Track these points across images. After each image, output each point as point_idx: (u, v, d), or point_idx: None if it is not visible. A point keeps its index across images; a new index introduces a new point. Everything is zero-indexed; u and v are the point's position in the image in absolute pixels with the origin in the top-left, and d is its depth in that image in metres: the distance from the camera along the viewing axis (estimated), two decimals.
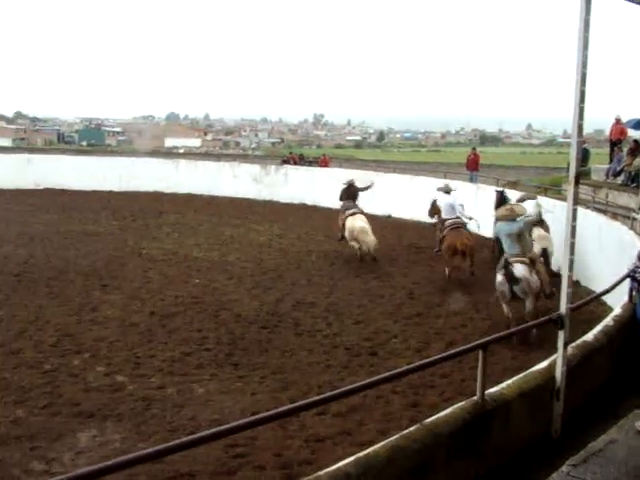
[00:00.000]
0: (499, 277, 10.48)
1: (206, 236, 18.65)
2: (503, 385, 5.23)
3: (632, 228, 12.82)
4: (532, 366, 5.94)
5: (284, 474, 6.10)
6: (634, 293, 7.51)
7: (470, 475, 4.68)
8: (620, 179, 19.34)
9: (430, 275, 14.58)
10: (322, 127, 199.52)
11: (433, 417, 4.46)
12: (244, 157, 51.41)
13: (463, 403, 4.77)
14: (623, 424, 5.73)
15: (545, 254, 12.71)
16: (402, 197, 22.42)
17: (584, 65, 5.14)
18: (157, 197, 26.16)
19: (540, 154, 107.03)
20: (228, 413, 7.39)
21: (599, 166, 22.41)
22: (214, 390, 8.15)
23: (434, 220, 15.73)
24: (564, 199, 17.09)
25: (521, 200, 13.54)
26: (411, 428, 4.26)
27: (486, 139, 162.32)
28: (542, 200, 15.32)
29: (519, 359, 9.04)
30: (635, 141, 19.68)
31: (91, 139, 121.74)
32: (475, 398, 4.82)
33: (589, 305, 9.38)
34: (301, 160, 32.54)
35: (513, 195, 16.09)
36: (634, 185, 17.56)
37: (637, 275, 7.27)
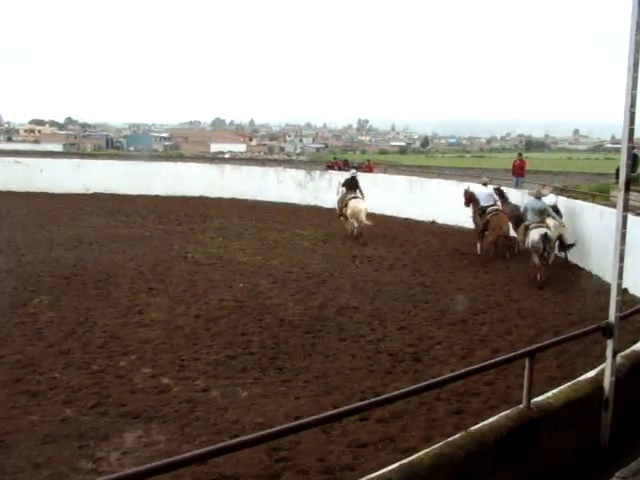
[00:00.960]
0: (536, 236, 14.13)
1: (250, 240, 18.79)
2: (550, 394, 5.14)
3: None
4: (578, 375, 5.82)
5: (327, 479, 6.10)
6: None
7: None
8: None
9: (474, 281, 14.44)
10: (366, 133, 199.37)
11: (478, 425, 4.41)
12: (289, 162, 51.75)
13: (509, 411, 4.71)
14: None
15: (561, 240, 15.71)
16: (446, 203, 22.23)
17: (635, 68, 5.03)
18: (202, 202, 26.48)
19: (587, 160, 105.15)
20: (271, 417, 7.43)
21: None
22: (258, 394, 8.20)
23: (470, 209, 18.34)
24: (613, 205, 16.78)
25: (538, 195, 15.56)
26: (456, 435, 4.22)
27: (532, 144, 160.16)
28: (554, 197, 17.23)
29: (565, 368, 8.88)
30: None
31: (139, 144, 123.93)
32: (521, 406, 4.75)
33: (638, 314, 9.16)
34: (346, 166, 32.47)
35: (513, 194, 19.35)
36: None
37: None
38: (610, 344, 5.41)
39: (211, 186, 27.96)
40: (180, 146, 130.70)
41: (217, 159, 57.42)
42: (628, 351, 6.39)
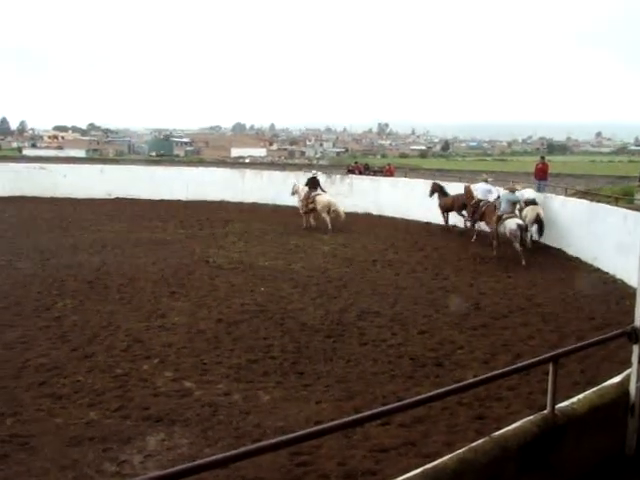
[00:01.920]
0: (513, 225, 16.80)
1: (271, 245, 18.85)
2: (574, 399, 5.08)
3: None
4: (602, 380, 5.75)
5: None
6: None
7: None
8: None
9: (496, 285, 14.35)
10: (386, 136, 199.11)
11: (502, 430, 4.38)
12: (309, 167, 51.74)
13: (533, 417, 4.66)
14: None
15: (539, 218, 18.39)
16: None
17: None
18: (223, 206, 26.62)
19: (610, 162, 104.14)
20: (292, 421, 7.44)
21: None
22: (279, 398, 8.21)
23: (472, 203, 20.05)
24: (637, 209, 16.65)
25: (512, 189, 18.46)
26: (479, 441, 4.19)
27: (554, 147, 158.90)
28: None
29: (589, 373, 8.79)
30: None
31: (160, 150, 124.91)
32: (545, 412, 4.71)
33: None
34: (366, 170, 32.40)
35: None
36: None
37: None
38: (636, 349, 5.35)
39: (232, 191, 28.11)
40: (201, 151, 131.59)
41: (238, 164, 57.68)
42: None
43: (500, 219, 17.34)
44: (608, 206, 17.24)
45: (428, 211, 23.26)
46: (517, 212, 18.06)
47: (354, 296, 13.20)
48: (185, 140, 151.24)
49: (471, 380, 5.48)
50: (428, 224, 23.05)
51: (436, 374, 9.03)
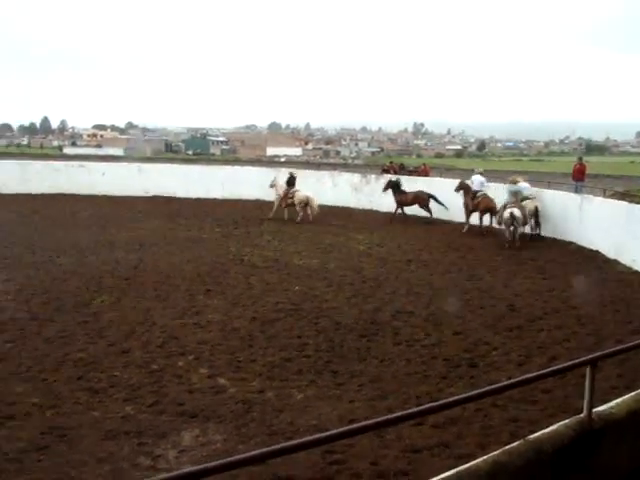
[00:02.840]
0: (506, 215, 18.58)
1: (306, 244, 18.89)
2: (612, 404, 5.01)
3: None
4: None
5: None
6: None
7: None
8: None
9: (531, 287, 14.18)
10: (422, 136, 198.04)
11: (537, 433, 4.33)
12: (344, 166, 51.76)
13: (569, 420, 4.61)
14: None
15: (536, 210, 19.90)
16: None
17: None
18: (258, 205, 26.72)
19: None
20: (325, 419, 7.46)
21: None
22: (312, 396, 8.24)
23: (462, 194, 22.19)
24: None
25: (514, 182, 20.03)
26: (514, 443, 4.15)
27: (592, 148, 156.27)
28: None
29: (626, 377, 8.63)
30: None
31: (197, 148, 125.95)
32: (582, 415, 4.65)
33: None
34: (402, 170, 32.22)
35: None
36: None
37: None
38: None
39: (267, 189, 28.19)
40: (237, 150, 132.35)
41: (273, 163, 57.86)
42: None
43: (505, 208, 19.06)
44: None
45: (463, 211, 23.06)
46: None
47: (388, 296, 13.17)
48: (221, 139, 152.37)
49: (506, 382, 5.44)
50: (462, 224, 22.85)
51: (470, 375, 8.97)
